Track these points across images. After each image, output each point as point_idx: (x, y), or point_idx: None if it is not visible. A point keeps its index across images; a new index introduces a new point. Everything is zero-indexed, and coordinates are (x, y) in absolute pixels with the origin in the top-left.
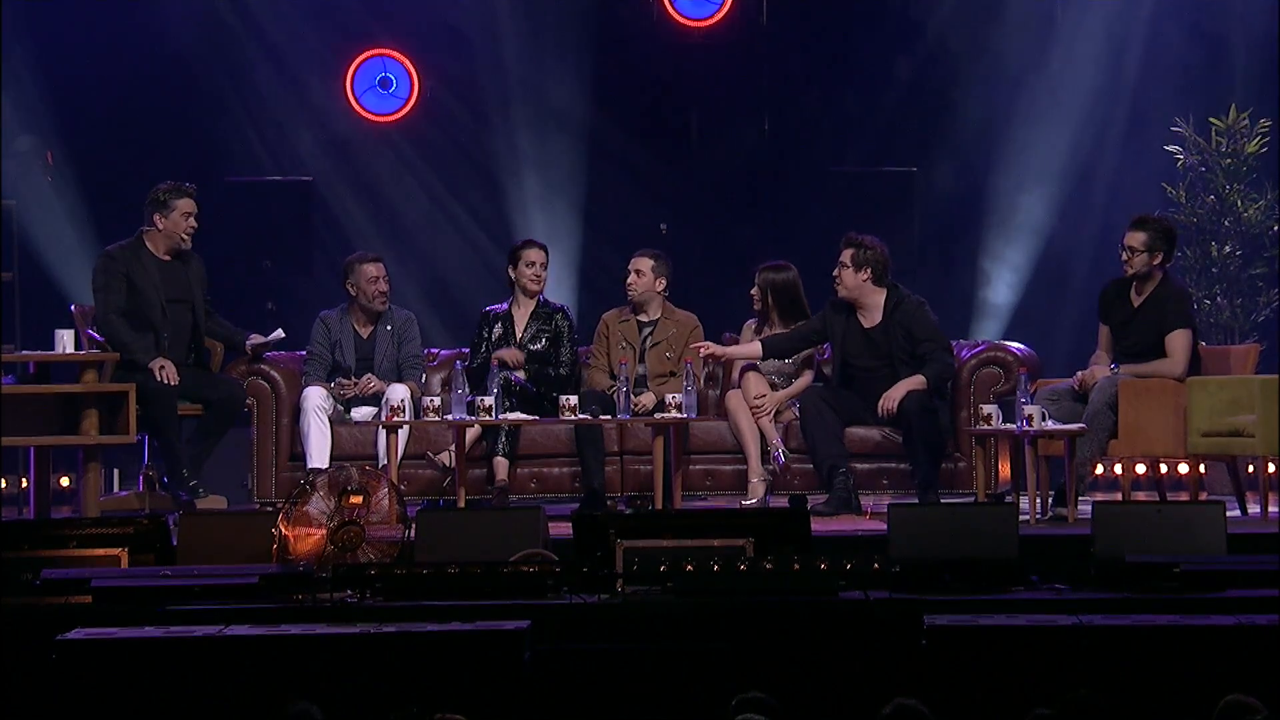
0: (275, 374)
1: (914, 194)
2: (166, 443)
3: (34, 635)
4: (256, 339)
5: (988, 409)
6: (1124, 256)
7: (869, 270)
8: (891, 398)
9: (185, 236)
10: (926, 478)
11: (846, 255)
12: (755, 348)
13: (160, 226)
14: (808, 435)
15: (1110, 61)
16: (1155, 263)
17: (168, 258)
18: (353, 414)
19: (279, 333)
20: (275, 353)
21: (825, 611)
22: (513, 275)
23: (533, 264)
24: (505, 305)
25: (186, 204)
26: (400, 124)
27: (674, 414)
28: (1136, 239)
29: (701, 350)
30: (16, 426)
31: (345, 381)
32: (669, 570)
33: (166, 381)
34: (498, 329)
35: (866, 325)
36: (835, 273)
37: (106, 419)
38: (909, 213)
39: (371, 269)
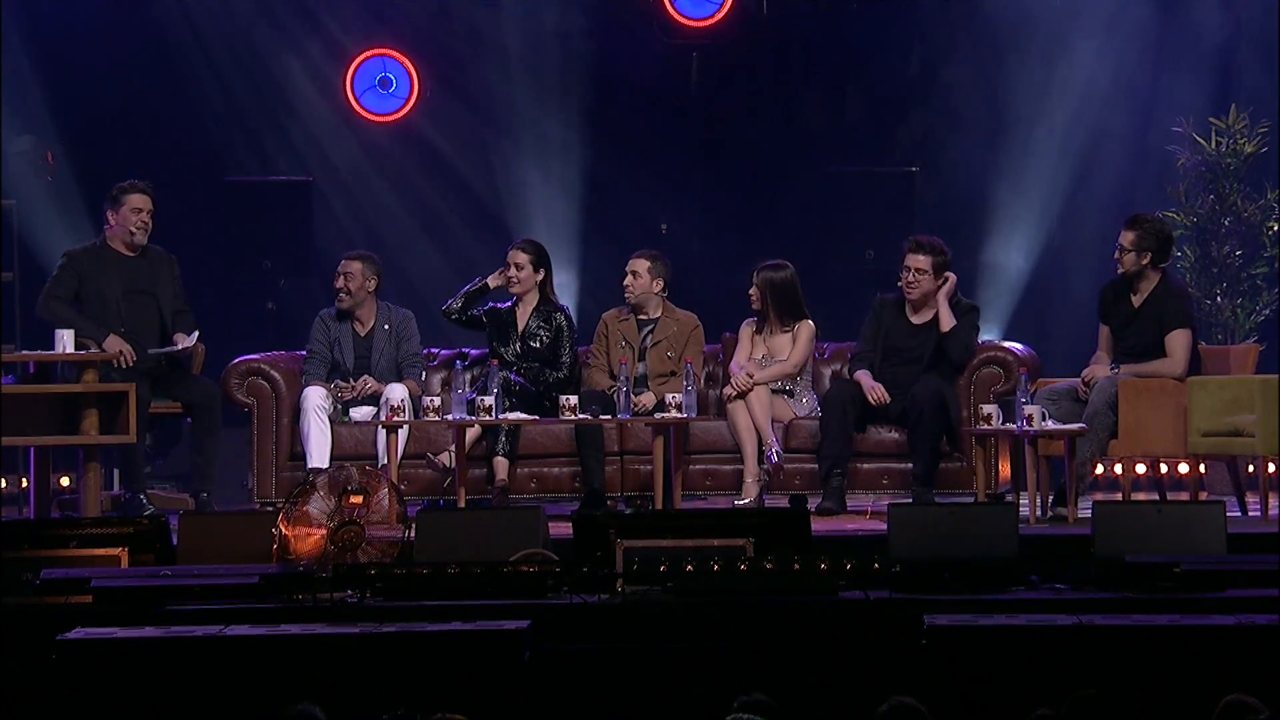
0: (275, 374)
1: (914, 194)
2: (126, 449)
3: (34, 635)
4: (179, 341)
5: (988, 409)
6: (1115, 254)
7: (940, 275)
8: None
9: (135, 231)
10: (925, 472)
11: (925, 262)
12: (866, 376)
13: (112, 222)
14: (824, 427)
15: (1110, 61)
16: (1144, 263)
17: (130, 254)
18: (353, 414)
19: (188, 341)
20: (275, 353)
21: (825, 611)
22: None
23: (509, 265)
24: (509, 304)
25: (137, 200)
26: (400, 124)
27: (674, 414)
28: (1127, 238)
29: (867, 389)
30: (16, 426)
31: (344, 384)
32: (669, 570)
33: (125, 364)
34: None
35: (917, 322)
36: (910, 278)
37: (106, 419)
38: (909, 213)
39: (340, 266)
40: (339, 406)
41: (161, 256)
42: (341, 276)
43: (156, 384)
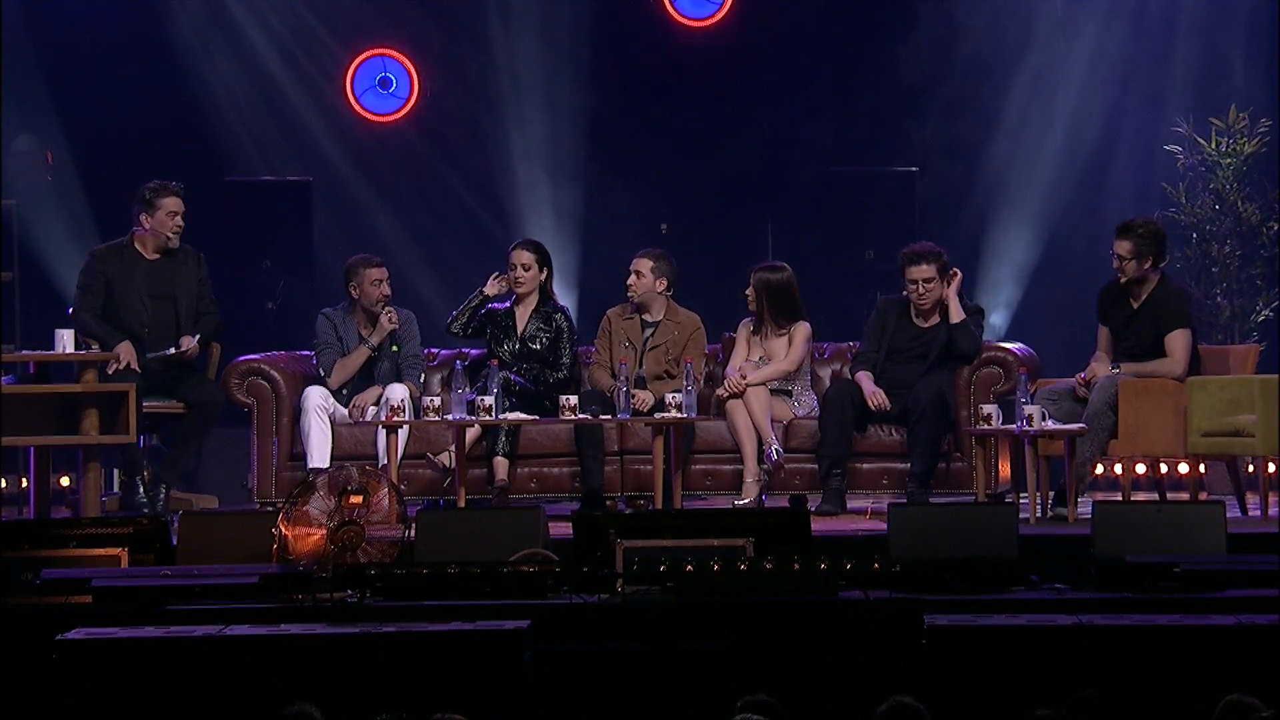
0: (275, 374)
1: (914, 194)
2: (125, 447)
3: (34, 635)
4: (184, 344)
5: (988, 409)
6: (1115, 264)
7: (947, 280)
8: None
9: (171, 235)
10: (924, 471)
11: (930, 270)
12: (868, 380)
13: (146, 226)
14: (824, 426)
15: (1111, 61)
16: (1146, 266)
17: (156, 256)
18: (353, 414)
19: (190, 343)
20: (275, 353)
21: (825, 611)
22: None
23: (514, 266)
24: (508, 304)
25: (172, 203)
26: (400, 124)
27: (674, 414)
28: (1123, 247)
29: (868, 394)
30: (16, 426)
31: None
32: (669, 570)
33: (123, 367)
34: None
35: (920, 324)
36: (920, 290)
37: (106, 419)
38: (909, 213)
39: (375, 273)
40: (344, 391)
41: (188, 255)
42: (382, 283)
43: (163, 385)
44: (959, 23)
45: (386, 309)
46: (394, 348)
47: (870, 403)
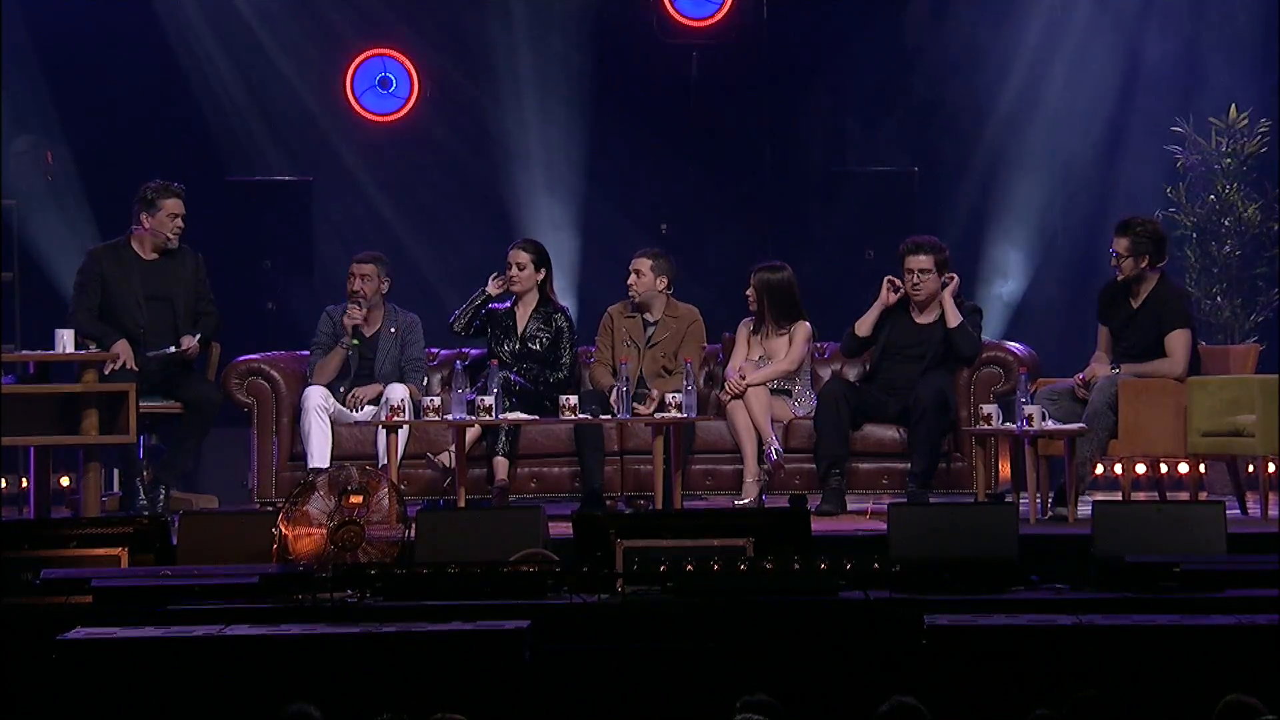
0: (275, 374)
1: (914, 194)
2: (124, 447)
3: (34, 635)
4: (184, 343)
5: (988, 409)
6: (1112, 262)
7: (942, 272)
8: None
9: (171, 236)
10: (924, 471)
11: (927, 260)
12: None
13: (146, 226)
14: (819, 426)
15: (1111, 61)
16: (1143, 265)
17: (154, 256)
18: (353, 414)
19: (191, 342)
20: (275, 353)
21: (825, 611)
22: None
23: (510, 265)
24: (508, 304)
25: (174, 204)
26: (400, 124)
27: (674, 414)
28: (1121, 244)
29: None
30: (16, 426)
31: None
32: (669, 570)
33: (121, 367)
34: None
35: (920, 321)
36: (914, 280)
37: (106, 419)
38: (909, 213)
39: (356, 268)
40: (343, 390)
41: (185, 255)
42: (356, 278)
43: (160, 385)
44: (961, 22)
45: (354, 304)
46: (354, 341)
47: (888, 293)
